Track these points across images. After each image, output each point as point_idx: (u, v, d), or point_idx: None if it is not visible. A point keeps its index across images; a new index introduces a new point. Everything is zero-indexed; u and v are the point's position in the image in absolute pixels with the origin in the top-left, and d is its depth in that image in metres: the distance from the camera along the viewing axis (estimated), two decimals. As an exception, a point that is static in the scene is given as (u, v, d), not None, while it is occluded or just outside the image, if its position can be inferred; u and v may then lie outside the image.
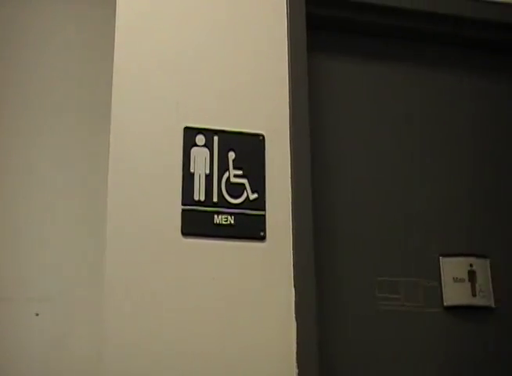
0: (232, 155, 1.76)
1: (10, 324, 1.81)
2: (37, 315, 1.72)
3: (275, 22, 1.89)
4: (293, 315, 1.68)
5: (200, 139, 1.75)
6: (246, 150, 1.77)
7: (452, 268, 1.95)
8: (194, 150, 1.74)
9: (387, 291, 1.89)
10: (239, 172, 1.76)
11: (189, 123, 1.75)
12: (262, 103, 1.82)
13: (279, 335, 1.66)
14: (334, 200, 1.93)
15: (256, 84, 1.83)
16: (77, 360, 1.64)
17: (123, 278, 1.60)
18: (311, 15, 1.93)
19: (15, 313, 1.77)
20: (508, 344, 1.94)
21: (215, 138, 1.76)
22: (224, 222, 1.71)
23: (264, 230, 1.73)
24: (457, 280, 1.94)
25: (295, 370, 1.64)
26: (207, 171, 1.73)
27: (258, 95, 1.82)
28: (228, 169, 1.75)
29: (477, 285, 1.95)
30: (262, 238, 1.72)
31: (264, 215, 1.74)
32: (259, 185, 1.76)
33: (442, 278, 1.94)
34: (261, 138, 1.79)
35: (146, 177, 1.68)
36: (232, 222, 1.71)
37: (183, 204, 1.69)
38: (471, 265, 1.96)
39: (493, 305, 1.95)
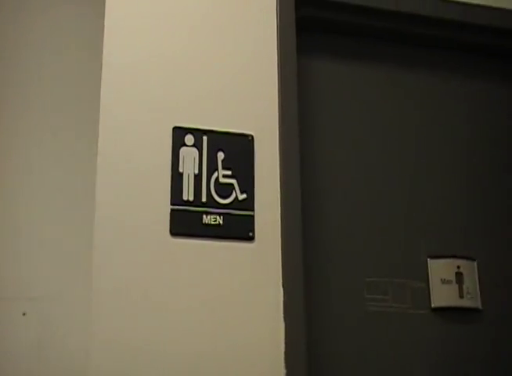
0: (221, 155, 1.76)
1: (-4, 324, 1.80)
2: (24, 314, 1.71)
3: (265, 23, 1.89)
4: (282, 315, 1.68)
5: (189, 139, 1.74)
6: (235, 150, 1.77)
7: (439, 269, 1.96)
8: (183, 149, 1.73)
9: (376, 291, 1.89)
10: (228, 172, 1.75)
11: (178, 123, 1.74)
12: (252, 104, 1.82)
13: (268, 335, 1.65)
14: (323, 200, 1.93)
15: (245, 85, 1.83)
16: (65, 360, 1.63)
17: (111, 278, 1.59)
18: (301, 16, 1.93)
19: (1, 313, 1.76)
20: (494, 345, 1.95)
21: (204, 138, 1.76)
22: (213, 222, 1.70)
23: (252, 230, 1.72)
24: (445, 282, 1.95)
25: (283, 371, 1.64)
26: (196, 171, 1.73)
27: (248, 95, 1.82)
28: (217, 169, 1.75)
29: (464, 287, 1.95)
30: (251, 238, 1.72)
31: (253, 216, 1.74)
32: (248, 185, 1.76)
33: (430, 280, 1.94)
34: (250, 138, 1.79)
35: (135, 177, 1.68)
36: (221, 222, 1.71)
37: (172, 204, 1.68)
38: (459, 267, 1.97)
39: (480, 307, 1.96)
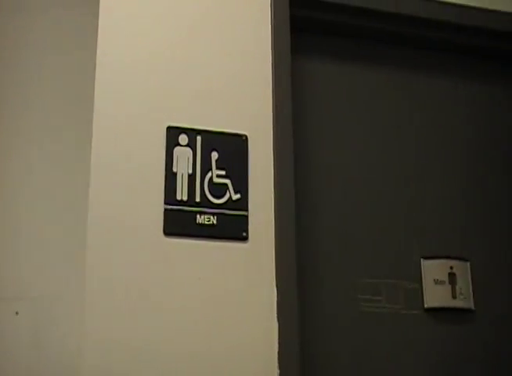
0: (215, 155, 1.76)
1: (-11, 324, 1.79)
2: (16, 313, 1.70)
3: (259, 23, 1.89)
4: (276, 315, 1.68)
5: (183, 139, 1.74)
6: (229, 150, 1.77)
7: (433, 270, 1.96)
8: (177, 149, 1.73)
9: (369, 292, 1.90)
10: (222, 172, 1.75)
11: (172, 122, 1.74)
12: (246, 104, 1.82)
13: (261, 335, 1.65)
14: (317, 201, 1.93)
15: (240, 85, 1.83)
16: (58, 359, 1.62)
17: (104, 277, 1.59)
18: (296, 17, 1.94)
19: (-6, 312, 1.76)
20: (487, 345, 1.96)
21: (198, 138, 1.75)
22: (206, 222, 1.70)
23: (246, 231, 1.72)
24: (438, 283, 1.95)
25: (277, 371, 1.64)
26: (190, 171, 1.73)
27: (242, 95, 1.82)
28: (211, 169, 1.75)
29: (457, 287, 1.96)
30: (245, 238, 1.72)
31: (246, 216, 1.74)
32: (242, 185, 1.76)
33: (423, 280, 1.95)
34: (244, 138, 1.79)
35: (129, 176, 1.67)
36: (215, 222, 1.71)
37: (166, 204, 1.68)
38: (452, 268, 1.98)
39: (473, 308, 1.97)
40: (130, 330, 1.57)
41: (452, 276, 1.96)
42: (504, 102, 2.22)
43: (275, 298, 1.69)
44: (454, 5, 2.11)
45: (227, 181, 1.75)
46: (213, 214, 1.71)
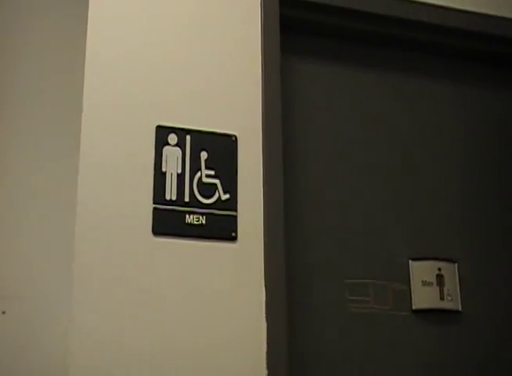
0: (204, 155, 1.76)
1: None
2: (3, 313, 1.69)
3: (249, 23, 1.89)
4: (264, 315, 1.67)
5: (173, 138, 1.74)
6: (218, 150, 1.77)
7: (421, 272, 1.97)
8: (166, 149, 1.73)
9: (358, 293, 1.90)
10: (212, 172, 1.75)
11: (161, 122, 1.74)
12: (235, 104, 1.82)
13: (250, 335, 1.65)
14: (306, 201, 1.93)
15: (229, 85, 1.83)
16: (46, 359, 1.61)
17: (92, 276, 1.58)
18: (285, 17, 1.94)
19: (-20, 312, 1.74)
20: (474, 346, 1.96)
21: (188, 137, 1.75)
22: (195, 222, 1.70)
23: (235, 231, 1.72)
24: (426, 284, 1.96)
25: (265, 371, 1.63)
26: (179, 171, 1.72)
27: (231, 95, 1.82)
28: (200, 169, 1.74)
29: (445, 289, 1.97)
30: (234, 239, 1.71)
31: (235, 216, 1.73)
32: (231, 185, 1.75)
33: (411, 281, 1.95)
34: (233, 138, 1.79)
35: (118, 175, 1.67)
36: (204, 222, 1.70)
37: (154, 203, 1.67)
38: (440, 270, 1.98)
39: (460, 309, 1.98)
40: (118, 330, 1.56)
41: (440, 278, 1.97)
42: (495, 104, 2.24)
43: (264, 298, 1.69)
44: (442, 7, 2.12)
45: (216, 181, 1.75)
46: (202, 214, 1.71)
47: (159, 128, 1.73)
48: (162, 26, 1.81)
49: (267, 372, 1.63)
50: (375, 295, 1.91)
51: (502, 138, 2.22)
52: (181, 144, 1.74)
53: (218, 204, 1.73)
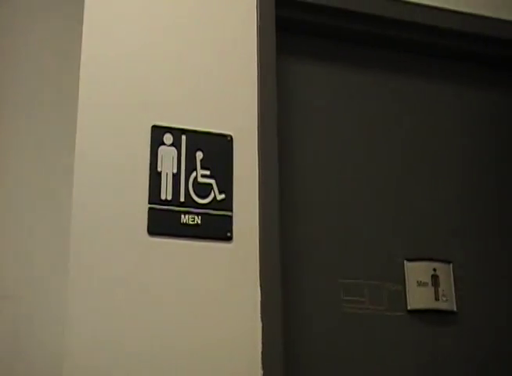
0: (199, 155, 1.75)
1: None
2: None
3: (245, 23, 1.89)
4: (259, 315, 1.67)
5: (168, 138, 1.74)
6: (214, 150, 1.77)
7: (416, 272, 1.97)
8: (162, 148, 1.73)
9: (353, 293, 1.90)
10: (207, 172, 1.75)
11: (156, 121, 1.74)
12: (231, 104, 1.82)
13: (245, 335, 1.65)
14: (302, 201, 1.93)
15: (225, 85, 1.83)
16: (40, 359, 1.61)
17: (88, 276, 1.58)
18: (281, 17, 1.94)
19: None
20: (468, 347, 1.97)
21: (183, 137, 1.75)
22: (191, 222, 1.70)
23: (231, 231, 1.72)
24: (421, 284, 1.96)
25: (260, 371, 1.63)
26: (175, 171, 1.72)
27: (227, 95, 1.82)
28: (195, 169, 1.74)
29: (440, 289, 1.97)
30: (229, 239, 1.71)
31: (231, 216, 1.73)
32: (226, 185, 1.75)
33: (407, 282, 1.96)
34: (229, 138, 1.79)
35: (113, 175, 1.67)
36: (199, 222, 1.70)
37: (150, 203, 1.67)
38: (435, 270, 1.98)
39: (455, 309, 1.98)
40: (113, 330, 1.56)
41: (435, 278, 1.97)
42: (491, 105, 2.25)
43: (259, 298, 1.69)
44: (437, 9, 2.12)
45: (212, 181, 1.75)
46: (197, 214, 1.71)
47: (154, 127, 1.73)
48: (158, 26, 1.81)
49: (262, 372, 1.63)
50: (370, 295, 1.91)
51: (498, 139, 2.22)
52: (176, 144, 1.74)
53: (214, 204, 1.73)
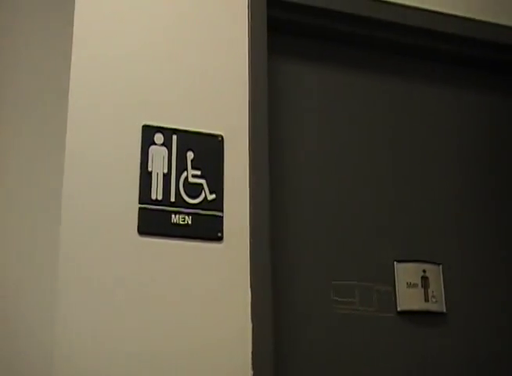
0: (190, 155, 1.75)
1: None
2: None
3: (236, 24, 1.89)
4: (250, 315, 1.67)
5: (159, 138, 1.73)
6: (204, 150, 1.76)
7: (406, 273, 1.97)
8: (152, 148, 1.72)
9: (343, 294, 1.90)
10: (198, 172, 1.75)
11: (147, 121, 1.73)
12: (222, 104, 1.81)
13: (235, 336, 1.65)
14: (292, 202, 1.93)
15: (216, 85, 1.82)
16: (29, 362, 1.60)
17: (77, 277, 1.57)
18: (273, 18, 1.94)
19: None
20: (458, 348, 1.97)
21: (174, 137, 1.75)
22: (181, 222, 1.69)
23: (221, 231, 1.72)
24: (411, 286, 1.96)
25: (250, 372, 1.63)
26: (165, 171, 1.72)
27: (218, 95, 1.82)
28: (186, 169, 1.74)
29: (429, 291, 1.97)
30: (219, 239, 1.71)
31: (221, 216, 1.73)
32: (217, 185, 1.75)
33: (396, 283, 1.96)
34: (220, 139, 1.79)
35: (103, 175, 1.66)
36: (190, 222, 1.70)
37: (140, 203, 1.67)
38: (424, 271, 1.99)
39: (444, 311, 1.99)
40: (103, 330, 1.55)
41: (424, 280, 1.98)
42: (489, 109, 2.27)
43: (250, 299, 1.68)
44: (426, 10, 2.13)
45: (202, 181, 1.74)
46: (188, 214, 1.70)
47: (145, 127, 1.72)
48: (149, 26, 1.81)
49: (252, 372, 1.63)
50: (360, 297, 1.92)
51: (494, 142, 2.24)
52: (167, 144, 1.73)
53: (204, 204, 1.73)
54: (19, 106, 1.95)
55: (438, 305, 1.98)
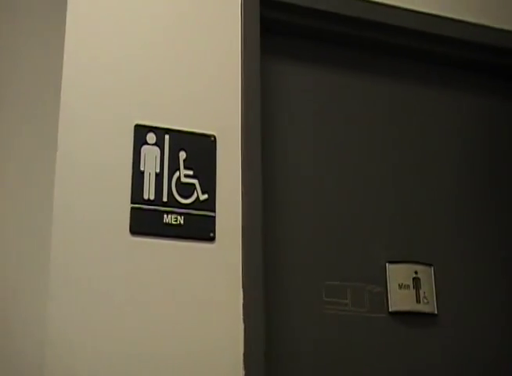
0: (183, 155, 1.75)
1: None
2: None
3: (229, 23, 1.89)
4: (241, 316, 1.67)
5: (151, 138, 1.73)
6: (197, 150, 1.76)
7: (397, 274, 1.98)
8: (145, 148, 1.71)
9: (335, 295, 1.90)
10: (190, 172, 1.74)
11: (139, 121, 1.73)
12: (215, 104, 1.81)
13: (227, 336, 1.64)
14: (285, 202, 1.93)
15: (209, 85, 1.82)
16: (20, 362, 1.59)
17: (69, 276, 1.56)
18: (266, 18, 1.94)
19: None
20: (449, 349, 1.98)
21: (166, 137, 1.74)
22: (173, 222, 1.69)
23: (213, 231, 1.71)
24: (402, 287, 1.97)
25: (242, 372, 1.63)
26: (158, 170, 1.71)
27: (211, 96, 1.82)
28: (178, 169, 1.73)
29: (421, 292, 1.98)
30: (212, 239, 1.71)
31: (214, 216, 1.73)
32: (209, 186, 1.75)
33: (388, 284, 1.96)
34: (212, 139, 1.78)
35: (95, 174, 1.65)
36: (182, 222, 1.70)
37: (132, 203, 1.66)
38: (416, 273, 1.99)
39: (436, 312, 1.99)
40: (94, 330, 1.55)
41: (416, 281, 1.98)
42: (483, 112, 2.27)
43: (242, 299, 1.68)
44: (416, 12, 2.14)
45: (195, 181, 1.74)
46: (180, 214, 1.70)
47: (137, 126, 1.72)
48: (142, 26, 1.80)
49: (244, 373, 1.63)
50: (352, 297, 1.92)
51: (490, 146, 2.25)
52: (159, 143, 1.73)
53: (197, 204, 1.72)
54: (16, 106, 1.94)
55: (429, 306, 1.98)
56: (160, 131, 1.74)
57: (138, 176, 1.69)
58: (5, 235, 1.80)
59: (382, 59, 2.18)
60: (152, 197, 1.68)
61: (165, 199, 1.70)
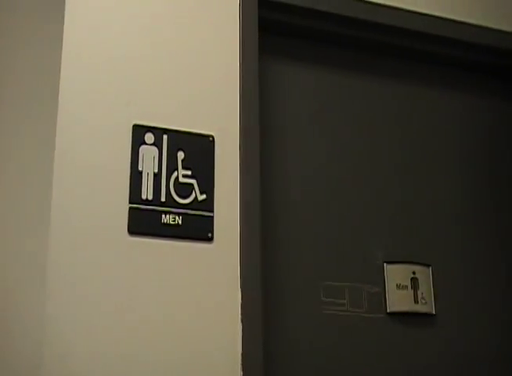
0: (181, 155, 1.75)
1: None
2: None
3: (227, 24, 1.89)
4: (240, 316, 1.67)
5: (149, 138, 1.72)
6: (195, 150, 1.76)
7: (395, 275, 1.98)
8: (143, 148, 1.71)
9: (333, 295, 1.90)
10: (188, 172, 1.74)
11: (138, 121, 1.72)
12: (213, 104, 1.81)
13: (225, 336, 1.64)
14: (283, 202, 1.93)
15: (207, 85, 1.82)
16: (18, 362, 1.59)
17: (66, 276, 1.56)
18: (264, 18, 1.94)
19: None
20: (446, 349, 1.98)
21: (165, 137, 1.74)
22: (171, 222, 1.69)
23: (211, 231, 1.71)
24: (400, 287, 1.97)
25: (240, 373, 1.62)
26: (156, 170, 1.71)
27: (209, 96, 1.81)
28: (176, 169, 1.73)
29: (419, 292, 1.98)
30: (210, 239, 1.71)
31: (212, 216, 1.73)
32: (208, 186, 1.75)
33: (386, 285, 1.96)
34: (210, 139, 1.78)
35: (94, 174, 1.65)
36: (180, 222, 1.69)
37: (130, 203, 1.66)
38: (414, 273, 1.99)
39: (434, 312, 1.99)
40: (92, 330, 1.55)
41: (414, 281, 1.98)
42: (484, 112, 2.28)
43: (240, 300, 1.68)
44: (415, 12, 2.14)
45: (193, 181, 1.74)
46: (178, 214, 1.70)
47: (136, 126, 1.72)
48: (140, 26, 1.80)
49: (242, 373, 1.62)
50: (350, 298, 1.92)
51: (489, 144, 2.25)
52: (158, 143, 1.73)
53: (195, 204, 1.72)
54: (14, 106, 1.94)
55: (427, 306, 1.98)
56: (158, 132, 1.73)
57: (136, 176, 1.68)
58: (3, 235, 1.79)
59: (382, 60, 2.18)
60: (150, 197, 1.68)
61: (163, 199, 1.69)
